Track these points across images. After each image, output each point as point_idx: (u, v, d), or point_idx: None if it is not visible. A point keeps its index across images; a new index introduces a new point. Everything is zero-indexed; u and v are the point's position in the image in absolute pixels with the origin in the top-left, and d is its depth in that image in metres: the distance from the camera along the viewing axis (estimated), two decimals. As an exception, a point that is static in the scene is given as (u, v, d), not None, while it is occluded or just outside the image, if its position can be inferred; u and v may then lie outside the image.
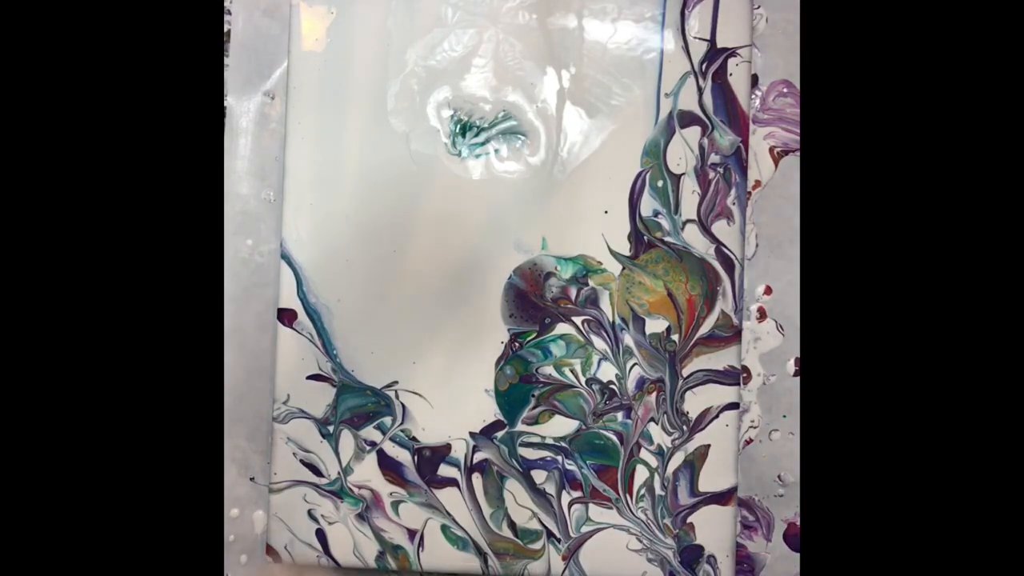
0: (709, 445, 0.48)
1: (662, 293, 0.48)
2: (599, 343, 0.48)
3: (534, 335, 0.48)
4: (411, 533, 0.48)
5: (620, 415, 0.48)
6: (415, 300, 0.48)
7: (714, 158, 0.48)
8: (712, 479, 0.48)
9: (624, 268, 0.47)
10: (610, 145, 0.48)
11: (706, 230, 0.48)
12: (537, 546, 0.48)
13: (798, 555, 0.49)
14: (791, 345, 0.50)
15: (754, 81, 0.50)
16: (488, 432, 0.48)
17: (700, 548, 0.48)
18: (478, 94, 0.48)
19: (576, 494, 0.48)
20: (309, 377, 0.49)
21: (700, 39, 0.48)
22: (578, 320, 0.48)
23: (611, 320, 0.47)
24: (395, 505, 0.48)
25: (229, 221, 0.50)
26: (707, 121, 0.48)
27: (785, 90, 0.50)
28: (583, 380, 0.48)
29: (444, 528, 0.48)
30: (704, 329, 0.48)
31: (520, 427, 0.48)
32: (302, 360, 0.49)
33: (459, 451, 0.48)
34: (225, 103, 0.51)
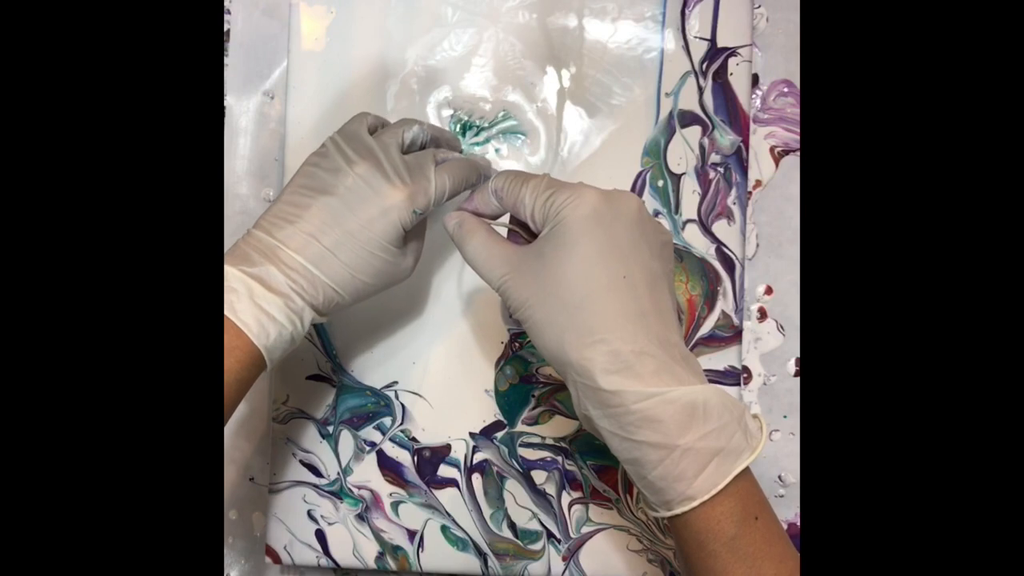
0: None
1: (662, 293, 0.47)
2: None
3: (534, 335, 0.48)
4: (411, 534, 0.48)
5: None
6: (415, 300, 0.48)
7: (715, 158, 0.48)
8: (712, 479, 0.47)
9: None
10: (610, 145, 0.48)
11: (707, 230, 0.48)
12: (537, 547, 0.48)
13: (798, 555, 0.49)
14: (791, 345, 0.50)
15: (755, 81, 0.50)
16: (488, 432, 0.48)
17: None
18: (478, 93, 0.48)
19: (576, 494, 0.48)
20: (309, 377, 0.49)
21: (700, 38, 0.48)
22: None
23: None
24: (395, 505, 0.48)
25: (229, 221, 0.50)
26: (708, 121, 0.48)
27: (786, 90, 0.50)
28: (583, 380, 0.48)
29: (444, 529, 0.48)
30: (705, 329, 0.47)
31: (520, 427, 0.48)
32: (302, 360, 0.48)
33: (459, 451, 0.48)
34: (225, 103, 0.51)
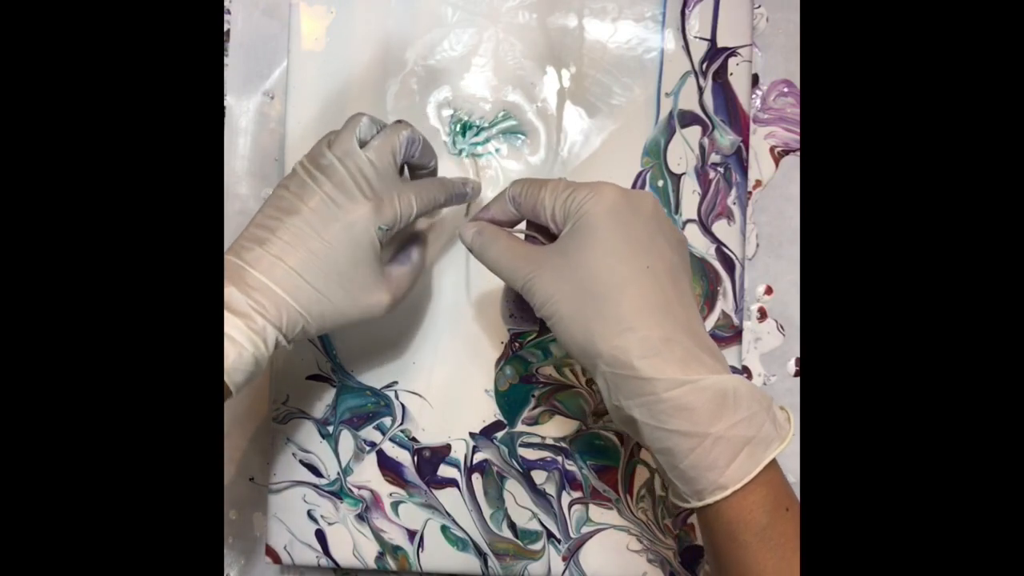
0: (709, 445, 0.47)
1: (662, 293, 0.47)
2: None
3: (534, 335, 0.48)
4: (411, 534, 0.48)
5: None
6: (415, 300, 0.48)
7: (714, 158, 0.48)
8: (712, 479, 0.47)
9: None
10: (610, 145, 0.48)
11: (706, 230, 0.48)
12: (537, 547, 0.48)
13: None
14: (791, 345, 0.50)
15: (755, 81, 0.50)
16: (488, 432, 0.48)
17: (701, 549, 0.47)
18: (478, 94, 0.48)
19: (576, 494, 0.48)
20: (309, 377, 0.49)
21: (700, 38, 0.48)
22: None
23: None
24: (395, 505, 0.48)
25: (229, 221, 0.50)
26: (708, 121, 0.48)
27: (786, 90, 0.50)
28: (583, 380, 0.48)
29: (444, 529, 0.48)
30: (704, 329, 0.47)
31: (520, 427, 0.48)
32: (302, 360, 0.48)
33: (459, 451, 0.48)
34: (225, 103, 0.51)
